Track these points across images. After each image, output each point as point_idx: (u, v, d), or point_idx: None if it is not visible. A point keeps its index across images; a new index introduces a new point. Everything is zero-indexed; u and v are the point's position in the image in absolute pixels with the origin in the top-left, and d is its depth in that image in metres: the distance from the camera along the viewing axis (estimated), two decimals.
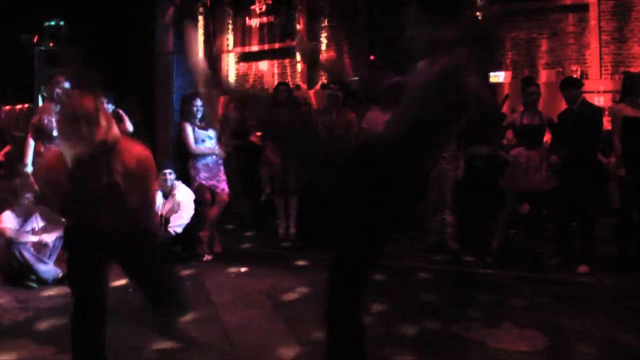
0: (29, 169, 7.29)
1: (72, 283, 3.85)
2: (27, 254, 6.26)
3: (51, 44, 11.84)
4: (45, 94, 10.90)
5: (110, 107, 7.95)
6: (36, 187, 6.92)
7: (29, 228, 6.55)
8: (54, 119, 7.38)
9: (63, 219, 6.43)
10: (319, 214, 7.68)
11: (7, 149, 7.64)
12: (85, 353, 3.78)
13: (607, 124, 7.90)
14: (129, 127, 7.76)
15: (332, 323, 3.10)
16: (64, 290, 6.18)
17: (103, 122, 3.53)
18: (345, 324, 3.09)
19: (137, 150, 3.71)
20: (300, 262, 7.28)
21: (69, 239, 3.92)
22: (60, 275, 6.39)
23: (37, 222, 6.64)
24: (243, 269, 6.97)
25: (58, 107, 7.42)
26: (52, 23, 11.96)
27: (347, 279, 3.06)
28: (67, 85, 7.47)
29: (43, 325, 5.12)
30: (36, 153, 7.37)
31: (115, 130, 3.67)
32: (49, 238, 6.45)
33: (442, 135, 3.09)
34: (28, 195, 6.60)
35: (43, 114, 7.47)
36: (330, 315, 3.10)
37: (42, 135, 7.36)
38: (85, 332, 3.78)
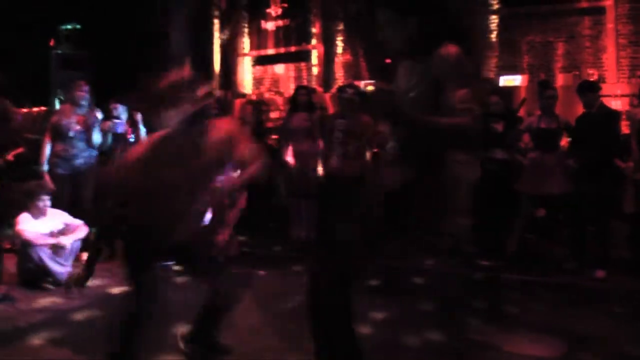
0: (45, 168, 7.38)
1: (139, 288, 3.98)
2: (44, 256, 6.29)
3: (67, 48, 11.92)
4: (62, 97, 11.01)
5: (123, 113, 8.00)
6: (51, 187, 6.98)
7: (46, 230, 6.58)
8: (72, 121, 7.47)
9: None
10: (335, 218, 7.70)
11: (19, 150, 7.68)
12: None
13: (624, 127, 7.85)
14: (142, 132, 7.82)
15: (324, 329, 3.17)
16: (81, 293, 6.22)
17: None
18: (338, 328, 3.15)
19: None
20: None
21: (133, 243, 3.95)
22: (77, 278, 6.41)
23: (55, 224, 6.67)
24: (261, 272, 6.98)
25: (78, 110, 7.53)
26: (68, 27, 12.03)
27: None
28: (87, 88, 7.58)
29: (60, 328, 5.13)
30: (54, 154, 7.45)
31: None
32: (67, 240, 6.47)
33: None
34: (44, 196, 6.63)
35: (61, 115, 7.57)
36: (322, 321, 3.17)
37: (59, 136, 7.45)
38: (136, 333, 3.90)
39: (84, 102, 7.54)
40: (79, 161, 7.50)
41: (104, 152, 7.79)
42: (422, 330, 4.93)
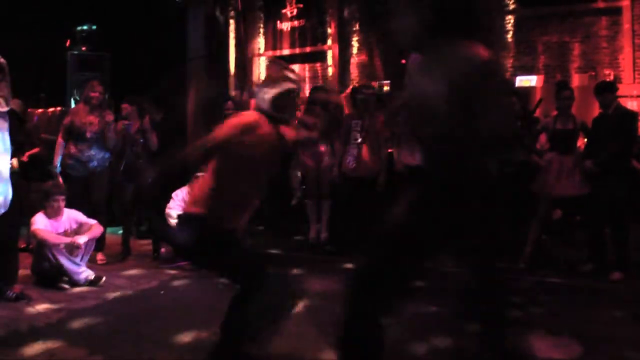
0: (58, 169, 7.40)
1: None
2: (59, 256, 6.31)
3: (83, 48, 11.96)
4: (77, 97, 11.05)
5: (133, 114, 7.98)
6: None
7: (61, 230, 6.61)
8: (86, 122, 7.48)
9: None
10: (352, 219, 7.69)
11: (35, 150, 7.73)
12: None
13: None
14: (154, 142, 7.80)
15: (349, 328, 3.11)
16: (96, 291, 6.25)
17: None
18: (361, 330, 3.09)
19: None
20: (332, 267, 7.24)
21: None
22: (92, 277, 6.44)
23: (70, 224, 6.71)
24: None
25: (93, 110, 7.54)
26: (85, 27, 12.08)
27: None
28: (101, 89, 7.59)
29: (76, 326, 5.16)
30: (66, 155, 7.46)
31: None
32: (82, 240, 6.49)
33: None
34: (59, 197, 6.66)
35: (75, 116, 7.57)
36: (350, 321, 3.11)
37: (72, 136, 7.47)
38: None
39: (97, 103, 7.55)
40: (93, 163, 7.51)
41: (116, 154, 7.80)
42: (436, 329, 4.91)
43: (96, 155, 7.53)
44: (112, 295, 6.15)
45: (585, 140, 7.26)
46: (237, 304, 3.85)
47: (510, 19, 11.03)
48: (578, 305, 5.83)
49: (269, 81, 4.04)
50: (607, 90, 6.96)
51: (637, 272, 6.75)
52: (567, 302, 5.91)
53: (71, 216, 6.74)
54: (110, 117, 7.60)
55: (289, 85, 3.99)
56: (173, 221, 7.40)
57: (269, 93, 3.95)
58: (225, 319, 3.90)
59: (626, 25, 10.15)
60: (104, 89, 7.73)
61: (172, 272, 7.09)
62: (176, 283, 6.67)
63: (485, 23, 2.99)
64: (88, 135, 7.45)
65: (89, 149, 7.48)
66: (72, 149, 7.46)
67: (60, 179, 7.33)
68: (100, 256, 7.41)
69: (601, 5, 10.41)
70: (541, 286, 6.49)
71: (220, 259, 3.86)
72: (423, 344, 4.71)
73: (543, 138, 7.42)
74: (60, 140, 7.52)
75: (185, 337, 4.81)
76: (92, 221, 6.81)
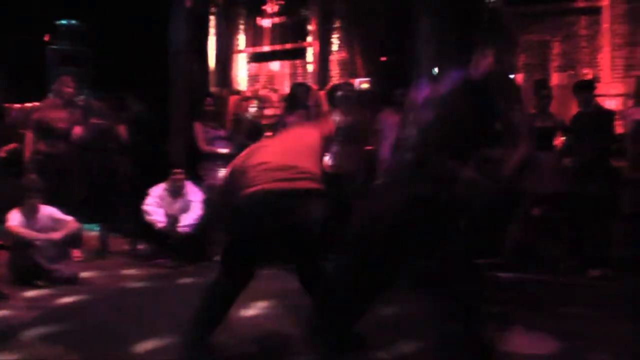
0: (30, 164, 7.33)
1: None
2: (35, 253, 6.26)
3: (64, 43, 11.89)
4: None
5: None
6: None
7: (37, 226, 6.54)
8: (57, 118, 7.40)
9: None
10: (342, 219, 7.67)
11: (12, 146, 7.66)
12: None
13: (619, 127, 7.84)
14: (123, 136, 7.75)
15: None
16: (73, 290, 6.20)
17: None
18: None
19: None
20: None
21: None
22: (69, 274, 6.39)
23: (46, 221, 6.63)
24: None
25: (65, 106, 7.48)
26: (65, 22, 12.00)
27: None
28: (73, 84, 7.53)
29: (52, 325, 5.10)
30: (38, 151, 7.39)
31: None
32: (57, 236, 6.44)
33: None
34: (35, 193, 6.59)
35: (44, 111, 7.47)
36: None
37: (42, 132, 7.37)
38: None
39: (70, 98, 7.48)
40: (64, 159, 7.44)
41: (90, 148, 7.74)
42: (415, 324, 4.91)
43: (66, 151, 7.46)
44: (88, 293, 6.11)
45: (564, 138, 7.30)
46: None
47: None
48: (557, 301, 5.85)
49: None
50: (585, 89, 7.02)
51: (616, 269, 6.78)
52: (547, 298, 5.93)
53: (47, 213, 6.67)
54: (82, 112, 7.52)
55: None
56: (150, 218, 7.38)
57: None
58: None
59: (605, 25, 10.19)
60: (78, 84, 7.65)
61: (151, 269, 7.05)
62: (154, 280, 6.64)
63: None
64: (57, 131, 7.36)
65: (58, 144, 7.40)
66: (42, 145, 7.38)
67: (34, 175, 7.26)
68: (76, 253, 7.34)
69: (581, 4, 10.46)
70: (521, 282, 6.52)
71: None
72: (389, 347, 4.62)
73: None
74: (29, 135, 7.43)
75: (164, 336, 4.78)
76: (69, 218, 6.75)
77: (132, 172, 7.89)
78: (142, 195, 7.47)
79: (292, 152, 4.18)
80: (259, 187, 3.91)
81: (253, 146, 4.44)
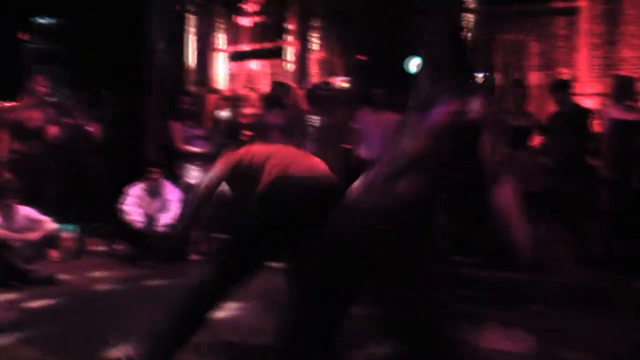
0: (5, 164, 7.27)
1: None
2: (10, 254, 6.21)
3: (40, 41, 11.80)
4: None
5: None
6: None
7: (13, 227, 6.49)
8: (31, 117, 7.35)
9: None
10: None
11: None
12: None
13: (596, 126, 7.90)
14: (94, 135, 7.71)
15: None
16: (49, 291, 6.15)
17: None
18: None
19: None
20: None
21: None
22: (45, 275, 6.35)
23: (22, 221, 6.58)
24: None
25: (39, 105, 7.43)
26: (41, 20, 11.91)
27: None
28: (47, 83, 7.48)
29: (27, 326, 5.05)
30: (13, 150, 7.34)
31: None
32: (35, 237, 6.39)
33: None
34: (12, 193, 6.54)
35: (20, 111, 7.42)
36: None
37: (17, 132, 7.32)
38: None
39: (44, 98, 7.43)
40: (40, 158, 7.39)
41: (62, 148, 7.69)
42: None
43: (41, 151, 7.41)
44: (65, 294, 6.07)
45: (541, 137, 7.35)
46: None
47: (470, 18, 11.11)
48: (532, 299, 5.88)
49: None
50: (562, 88, 7.08)
51: (594, 267, 6.84)
52: (522, 296, 5.97)
53: (24, 213, 6.62)
54: (56, 111, 7.47)
55: None
56: (129, 218, 7.35)
57: None
58: None
59: (583, 25, 10.27)
60: (54, 83, 7.61)
61: (129, 270, 7.02)
62: (132, 281, 6.61)
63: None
64: (32, 130, 7.32)
65: (33, 144, 7.35)
66: (17, 144, 7.32)
67: (8, 175, 7.20)
68: (53, 253, 7.28)
69: (559, 5, 10.53)
70: (495, 279, 6.55)
71: None
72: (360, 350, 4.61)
73: None
74: (3, 135, 7.37)
75: (141, 339, 4.75)
76: (45, 218, 6.70)
77: (106, 171, 7.83)
78: (119, 194, 7.43)
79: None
80: (291, 173, 3.86)
81: (255, 147, 4.30)
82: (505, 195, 3.01)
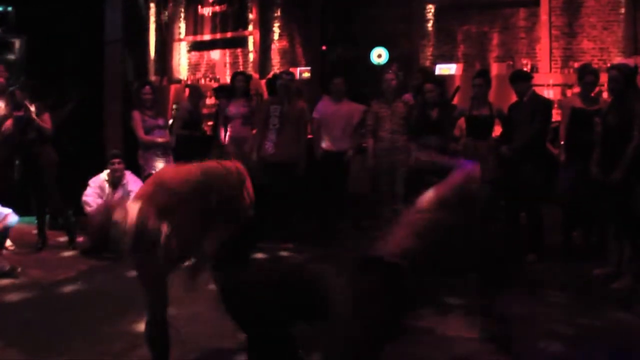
0: None
1: None
2: None
3: None
4: None
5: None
6: None
7: None
8: None
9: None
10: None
11: None
12: None
13: (556, 116, 7.99)
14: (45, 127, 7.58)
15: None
16: (11, 282, 6.07)
17: None
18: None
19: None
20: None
21: None
22: (7, 268, 6.25)
23: None
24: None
25: None
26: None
27: None
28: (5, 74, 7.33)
29: None
30: None
31: None
32: None
33: None
34: None
35: None
36: None
37: None
38: None
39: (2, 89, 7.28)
40: None
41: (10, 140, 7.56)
42: None
43: None
44: (27, 285, 5.99)
45: (502, 127, 7.41)
46: None
47: (430, 8, 11.16)
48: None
49: None
50: (521, 79, 7.14)
51: (551, 254, 6.92)
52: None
53: None
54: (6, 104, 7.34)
55: None
56: (90, 209, 7.25)
57: None
58: None
59: (544, 17, 10.38)
60: (9, 73, 7.44)
61: (90, 261, 6.93)
62: (93, 273, 6.53)
63: None
64: None
65: None
66: None
67: None
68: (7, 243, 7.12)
69: None
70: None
71: None
72: None
73: (463, 124, 7.52)
74: None
75: (103, 327, 4.72)
76: (7, 210, 6.58)
77: (59, 162, 7.67)
78: (80, 185, 7.33)
79: None
80: None
81: None
82: None
